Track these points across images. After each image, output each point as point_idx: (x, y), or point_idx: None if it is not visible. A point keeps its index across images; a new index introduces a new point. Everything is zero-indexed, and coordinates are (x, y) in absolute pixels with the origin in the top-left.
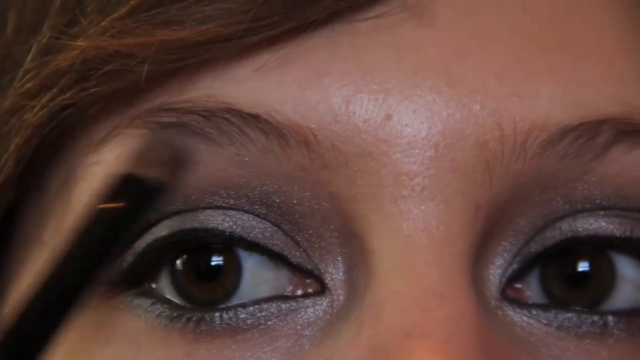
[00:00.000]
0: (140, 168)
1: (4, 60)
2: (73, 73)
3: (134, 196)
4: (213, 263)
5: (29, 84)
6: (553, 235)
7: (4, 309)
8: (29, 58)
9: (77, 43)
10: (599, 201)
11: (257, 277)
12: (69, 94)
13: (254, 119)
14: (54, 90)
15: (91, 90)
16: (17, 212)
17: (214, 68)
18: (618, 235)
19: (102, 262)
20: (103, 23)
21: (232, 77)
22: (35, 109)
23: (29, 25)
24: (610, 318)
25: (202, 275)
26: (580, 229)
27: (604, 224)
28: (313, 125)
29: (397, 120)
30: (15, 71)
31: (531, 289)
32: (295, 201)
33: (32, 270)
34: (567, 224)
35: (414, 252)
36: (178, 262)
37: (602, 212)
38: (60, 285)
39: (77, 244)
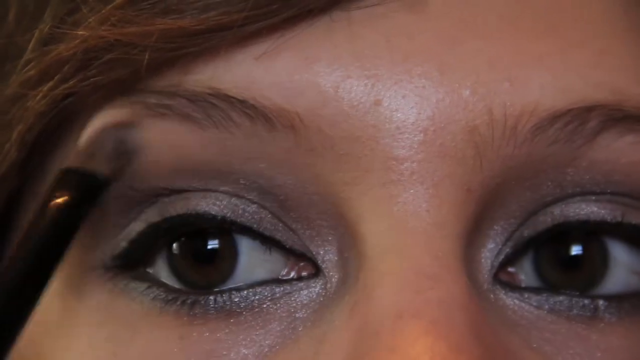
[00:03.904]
0: (84, 163)
1: (6, 48)
2: (75, 62)
3: (77, 190)
4: (209, 247)
5: (31, 72)
6: (545, 220)
7: None
8: (30, 46)
9: (78, 32)
10: (589, 186)
11: (253, 260)
12: (70, 83)
13: (240, 103)
14: (56, 78)
15: (92, 79)
16: (18, 200)
17: (213, 56)
18: (609, 220)
19: (53, 257)
20: (103, 11)
21: (228, 64)
22: (38, 97)
23: (30, 13)
24: (600, 302)
25: (198, 258)
26: (572, 214)
27: (596, 209)
28: (300, 110)
29: (387, 106)
30: (18, 59)
31: (525, 273)
32: (280, 184)
33: None
34: (559, 209)
35: (405, 235)
36: (174, 245)
37: (593, 197)
38: (14, 283)
39: (25, 241)
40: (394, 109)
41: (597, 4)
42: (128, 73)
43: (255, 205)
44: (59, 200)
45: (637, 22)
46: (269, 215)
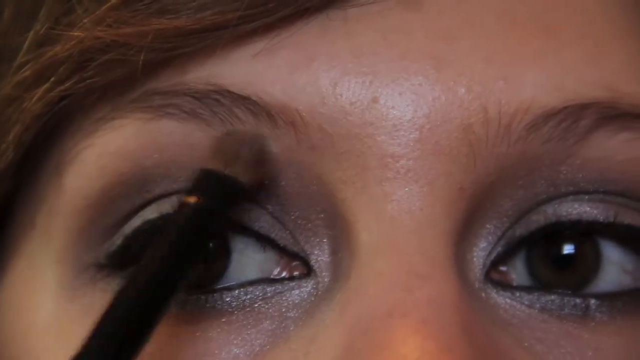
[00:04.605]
0: (219, 165)
1: (1, 48)
2: (70, 63)
3: (212, 193)
4: None
5: (27, 74)
6: (537, 219)
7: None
8: (25, 47)
9: (74, 33)
10: (582, 184)
11: (245, 259)
12: (66, 84)
13: (243, 100)
14: (52, 80)
15: (88, 80)
16: (14, 201)
17: (209, 55)
18: (601, 220)
19: (187, 256)
20: (99, 12)
21: (226, 62)
22: (34, 99)
23: (25, 13)
24: (592, 301)
25: None
26: (564, 214)
27: (588, 208)
28: (301, 107)
29: (383, 103)
30: (13, 60)
31: (517, 272)
32: (283, 183)
33: (23, 255)
34: (552, 208)
35: (398, 233)
36: None
37: (586, 197)
38: (149, 288)
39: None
40: (390, 106)
41: (592, 4)
42: (124, 74)
43: (253, 204)
44: (195, 199)
45: (632, 22)
46: (266, 214)
